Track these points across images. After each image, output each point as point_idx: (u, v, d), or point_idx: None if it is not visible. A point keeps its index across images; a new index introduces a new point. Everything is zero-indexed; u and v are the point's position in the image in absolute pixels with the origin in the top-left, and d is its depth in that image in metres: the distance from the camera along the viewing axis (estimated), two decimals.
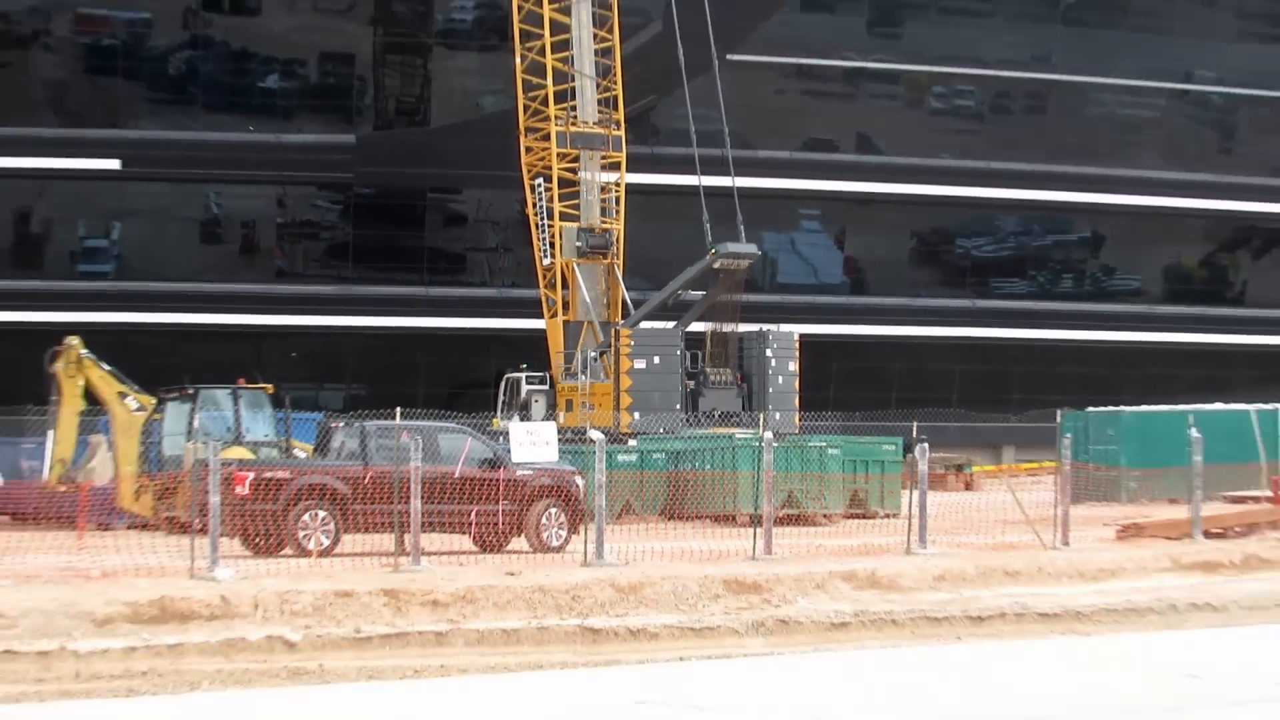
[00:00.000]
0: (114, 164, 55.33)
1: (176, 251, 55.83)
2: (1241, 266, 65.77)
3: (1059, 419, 37.44)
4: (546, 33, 48.10)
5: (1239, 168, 63.37)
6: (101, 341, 39.51)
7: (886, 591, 23.14)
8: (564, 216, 47.97)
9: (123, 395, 37.86)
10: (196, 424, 37.10)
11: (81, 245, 56.39)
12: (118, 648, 17.96)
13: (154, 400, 38.10)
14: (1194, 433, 33.00)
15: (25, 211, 56.35)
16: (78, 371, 38.43)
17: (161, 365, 40.38)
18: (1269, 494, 35.03)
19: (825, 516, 37.03)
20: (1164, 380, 51.19)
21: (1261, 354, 59.68)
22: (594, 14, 48.50)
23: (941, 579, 24.15)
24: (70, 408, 38.91)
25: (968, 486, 44.29)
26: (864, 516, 37.63)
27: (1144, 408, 44.80)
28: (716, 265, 47.60)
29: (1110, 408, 45.00)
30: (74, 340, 39.04)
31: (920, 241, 61.41)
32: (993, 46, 60.33)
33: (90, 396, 38.41)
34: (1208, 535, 29.65)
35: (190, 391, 38.45)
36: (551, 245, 48.11)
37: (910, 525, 29.69)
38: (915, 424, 37.98)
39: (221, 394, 38.69)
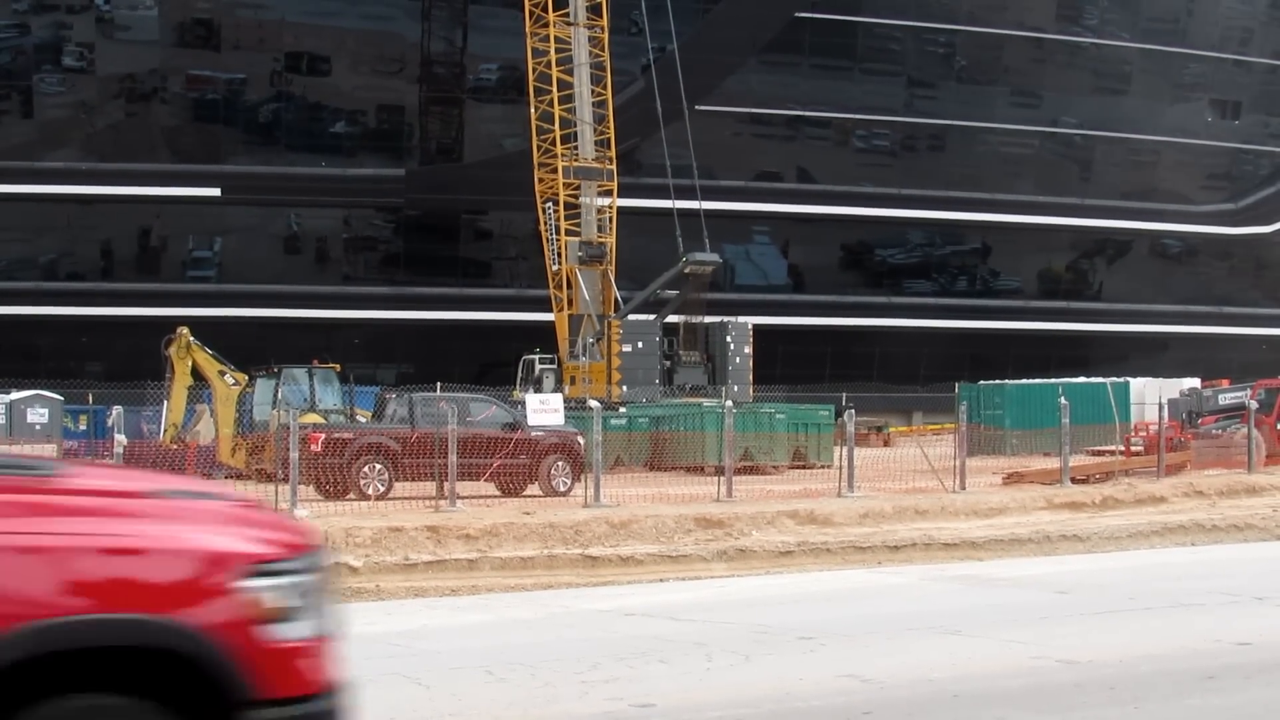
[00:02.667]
0: (215, 192, 55.12)
1: (264, 260, 55.63)
2: (1098, 270, 65.69)
3: (957, 390, 37.35)
4: (554, 89, 47.93)
5: (1094, 193, 63.32)
6: (205, 331, 39.29)
7: (822, 526, 23.01)
8: (568, 232, 47.84)
9: (222, 373, 37.75)
10: (280, 395, 36.95)
11: (190, 255, 56.19)
12: None
13: (246, 377, 37.99)
14: (1062, 400, 32.86)
15: (147, 229, 56.12)
16: (186, 354, 38.32)
17: (252, 349, 40.14)
18: (1121, 448, 34.92)
19: (774, 467, 37.01)
20: (1038, 359, 51.04)
21: (1114, 338, 59.62)
22: (591, 74, 48.33)
23: (866, 516, 24.03)
24: (180, 383, 38.78)
25: (886, 443, 44.17)
26: (804, 467, 37.60)
27: (1023, 381, 44.85)
28: (687, 270, 47.54)
29: (996, 381, 44.96)
30: (184, 329, 38.89)
31: (847, 251, 61.22)
32: (903, 98, 60.19)
33: (196, 374, 38.31)
34: (1074, 481, 29.54)
35: (275, 370, 38.31)
36: (559, 255, 48.00)
37: (841, 474, 29.55)
38: (844, 395, 37.99)
39: (300, 372, 38.56)
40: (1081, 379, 43.94)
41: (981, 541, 21.55)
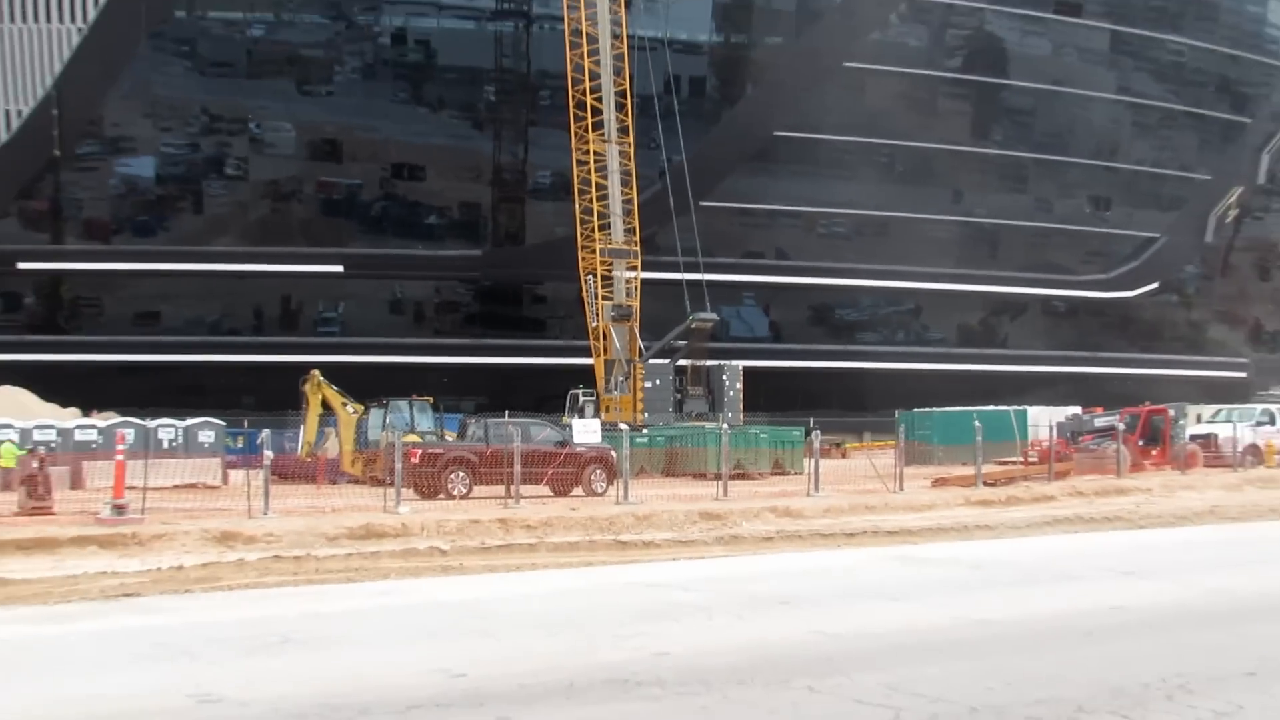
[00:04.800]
0: (339, 268, 55.40)
1: (375, 319, 55.81)
2: (1003, 325, 65.62)
3: (897, 416, 37.20)
4: (593, 190, 48.10)
5: (1000, 267, 63.35)
6: (330, 372, 39.43)
7: (795, 519, 23.02)
8: (604, 298, 47.94)
9: (344, 404, 37.86)
10: (387, 421, 37.05)
11: (320, 315, 56.42)
12: (340, 554, 17.87)
13: (362, 407, 38.10)
14: (976, 424, 32.82)
15: (287, 296, 56.38)
16: (318, 390, 38.45)
17: (366, 387, 40.22)
18: (1020, 460, 34.82)
19: (759, 474, 36.92)
20: (958, 392, 50.77)
21: (1016, 376, 59.44)
22: (620, 178, 48.53)
23: (828, 511, 24.03)
24: (313, 411, 38.91)
25: (843, 456, 44.11)
26: (781, 474, 37.54)
27: (947, 409, 44.59)
28: (693, 326, 47.59)
29: (927, 409, 44.76)
30: (315, 371, 39.03)
31: (813, 311, 61.24)
32: (855, 196, 60.20)
33: (324, 405, 38.45)
34: (986, 484, 29.50)
35: (384, 402, 38.41)
36: (597, 315, 48.11)
37: (809, 479, 29.51)
38: (811, 419, 37.91)
39: (402, 403, 38.65)
40: (991, 407, 43.81)
41: (916, 530, 21.52)
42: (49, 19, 52.88)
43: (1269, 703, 8.30)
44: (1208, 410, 43.26)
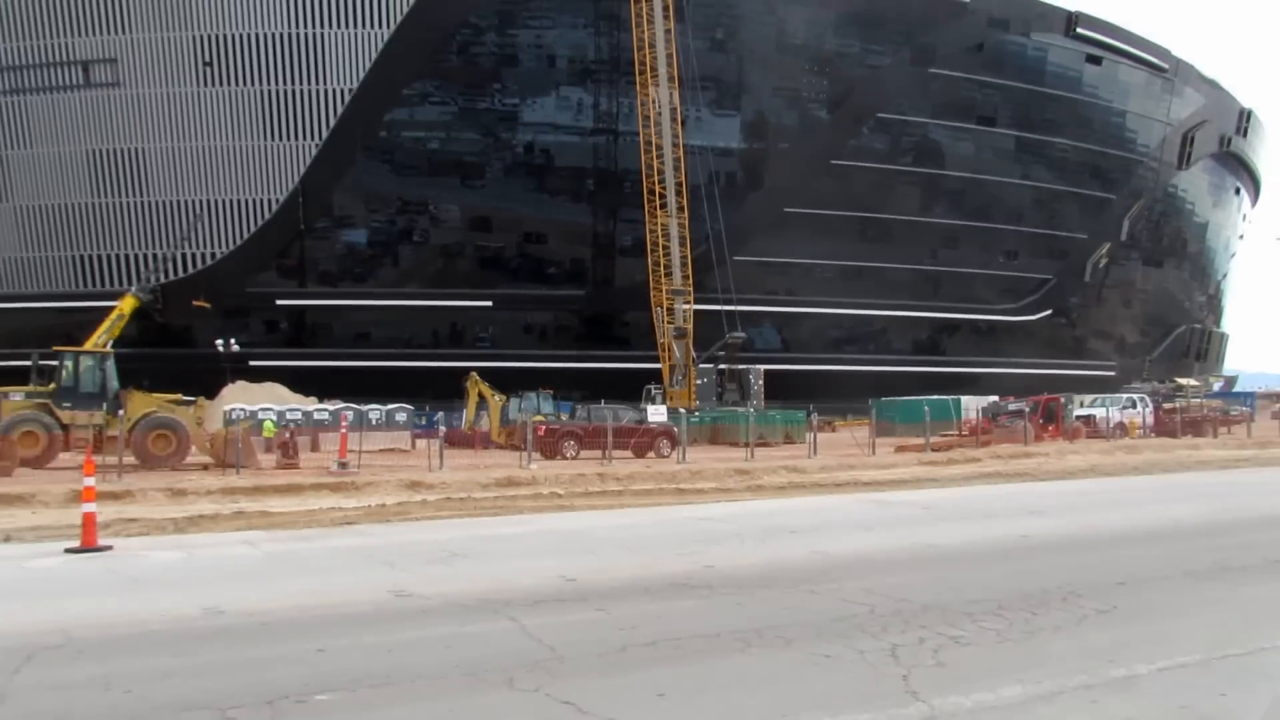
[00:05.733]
0: (489, 304, 55.80)
1: (514, 338, 56.06)
2: (945, 340, 64.53)
3: (871, 403, 36.89)
4: (660, 250, 48.23)
5: (943, 299, 62.63)
6: (484, 374, 39.73)
7: (801, 474, 22.80)
8: (668, 323, 48.00)
9: (493, 394, 38.07)
10: (522, 406, 37.23)
11: (476, 335, 56.73)
12: (490, 496, 17.95)
13: (505, 396, 38.30)
14: (926, 409, 32.45)
15: (455, 322, 56.70)
16: (475, 385, 38.72)
17: (508, 383, 40.47)
18: (956, 434, 34.31)
19: (775, 443, 36.74)
20: (914, 387, 50.14)
21: (953, 375, 58.53)
22: (679, 239, 48.56)
23: (823, 468, 23.79)
24: (472, 399, 39.19)
25: (833, 431, 43.64)
26: (791, 443, 37.28)
27: (906, 398, 44.05)
28: (728, 342, 47.58)
29: (891, 398, 44.22)
30: (474, 373, 39.33)
31: (812, 331, 60.59)
32: (840, 250, 59.68)
33: (480, 395, 38.70)
34: (933, 450, 29.10)
35: (520, 394, 38.64)
36: (664, 334, 48.18)
37: (809, 446, 29.31)
38: (810, 405, 37.53)
39: (532, 394, 38.81)
40: (935, 396, 43.18)
41: (884, 481, 21.26)
42: (295, 136, 53.79)
43: (1135, 603, 8.10)
44: (1088, 398, 42.34)
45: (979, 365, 61.95)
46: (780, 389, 48.51)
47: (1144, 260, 75.45)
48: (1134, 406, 39.17)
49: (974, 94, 63.60)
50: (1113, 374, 67.67)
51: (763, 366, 49.32)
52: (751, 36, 58.17)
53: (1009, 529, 12.88)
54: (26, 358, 27.56)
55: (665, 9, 49.89)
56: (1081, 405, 39.16)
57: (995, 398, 43.87)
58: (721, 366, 48.12)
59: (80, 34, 54.16)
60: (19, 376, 28.03)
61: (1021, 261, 66.68)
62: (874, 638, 6.91)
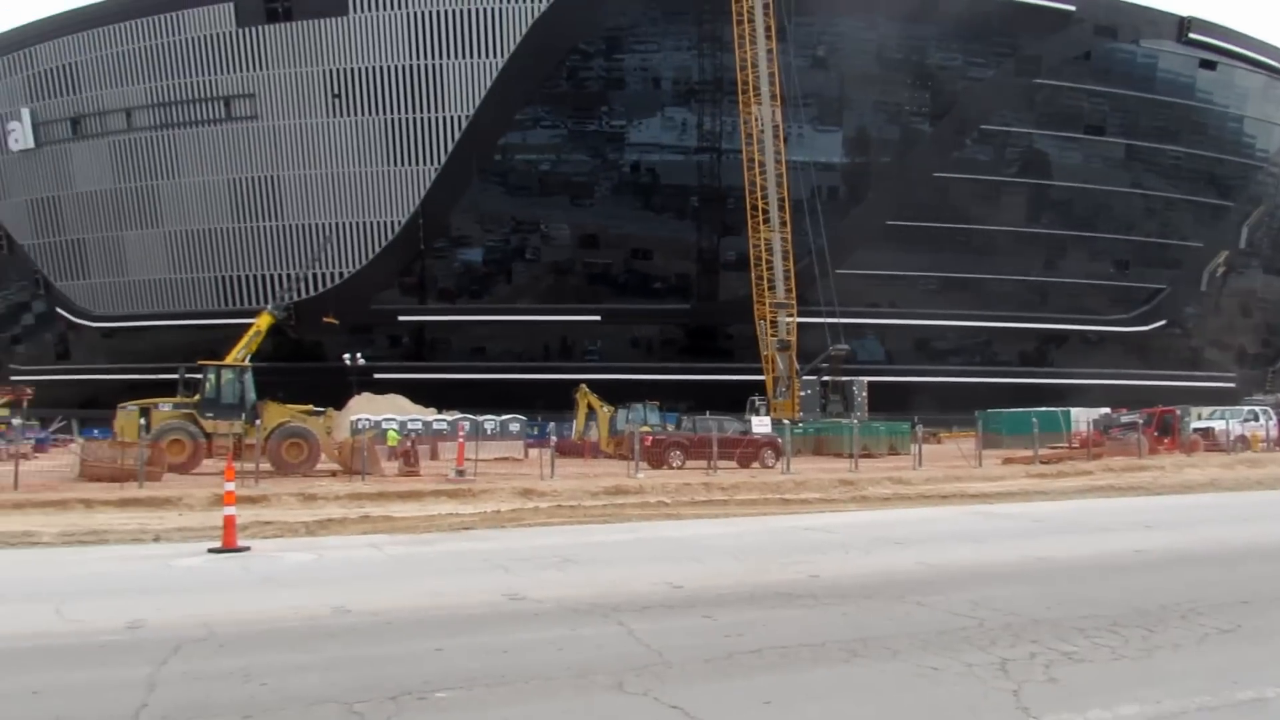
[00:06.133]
0: (598, 318, 56.30)
1: (620, 351, 56.37)
2: (1052, 352, 62.19)
3: (976, 414, 35.86)
4: (763, 264, 48.00)
5: (1048, 310, 60.52)
6: (592, 385, 40.13)
7: (905, 485, 22.27)
8: (771, 335, 47.63)
9: (601, 405, 38.35)
10: (629, 417, 37.38)
11: (585, 348, 57.22)
12: (599, 504, 18.02)
13: (614, 407, 38.52)
14: (1034, 420, 31.38)
15: (565, 336, 57.37)
16: (585, 396, 39.14)
17: (615, 394, 40.73)
18: (1066, 446, 33.03)
19: (879, 454, 35.97)
20: (1022, 398, 48.39)
21: (1061, 387, 56.29)
22: (782, 253, 48.19)
23: (928, 480, 23.18)
24: (582, 410, 39.61)
25: (939, 442, 42.37)
26: (895, 454, 36.44)
27: (1014, 409, 42.57)
28: (832, 354, 46.94)
29: (997, 409, 42.81)
30: (583, 385, 39.73)
31: (915, 343, 59.13)
32: (943, 262, 58.25)
33: (589, 406, 39.00)
34: (1041, 463, 28.07)
35: (627, 405, 38.81)
36: (767, 347, 47.81)
37: (914, 457, 28.63)
38: (915, 416, 36.67)
39: (639, 405, 38.91)
40: (1043, 408, 41.65)
41: (991, 494, 20.57)
42: (416, 162, 55.38)
43: (1261, 623, 7.62)
44: (1206, 410, 40.25)
45: (1089, 377, 59.52)
46: (884, 400, 47.57)
47: (1265, 268, 71.49)
48: (1256, 419, 37.04)
49: (1081, 103, 61.35)
50: (1232, 385, 64.21)
51: (866, 378, 48.44)
52: (852, 53, 57.42)
53: (1123, 543, 12.30)
54: (174, 371, 28.93)
55: (767, 29, 49.66)
56: (1199, 417, 37.30)
57: (1107, 410, 42.12)
58: (825, 378, 47.46)
59: (222, 72, 56.97)
60: (167, 389, 29.41)
61: (1133, 271, 63.95)
62: (982, 651, 6.68)
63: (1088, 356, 61.95)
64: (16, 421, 37.51)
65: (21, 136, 62.89)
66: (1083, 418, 36.82)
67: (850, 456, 28.57)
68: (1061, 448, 32.48)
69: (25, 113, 62.46)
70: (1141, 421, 32.52)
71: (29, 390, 49.43)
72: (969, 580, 9.60)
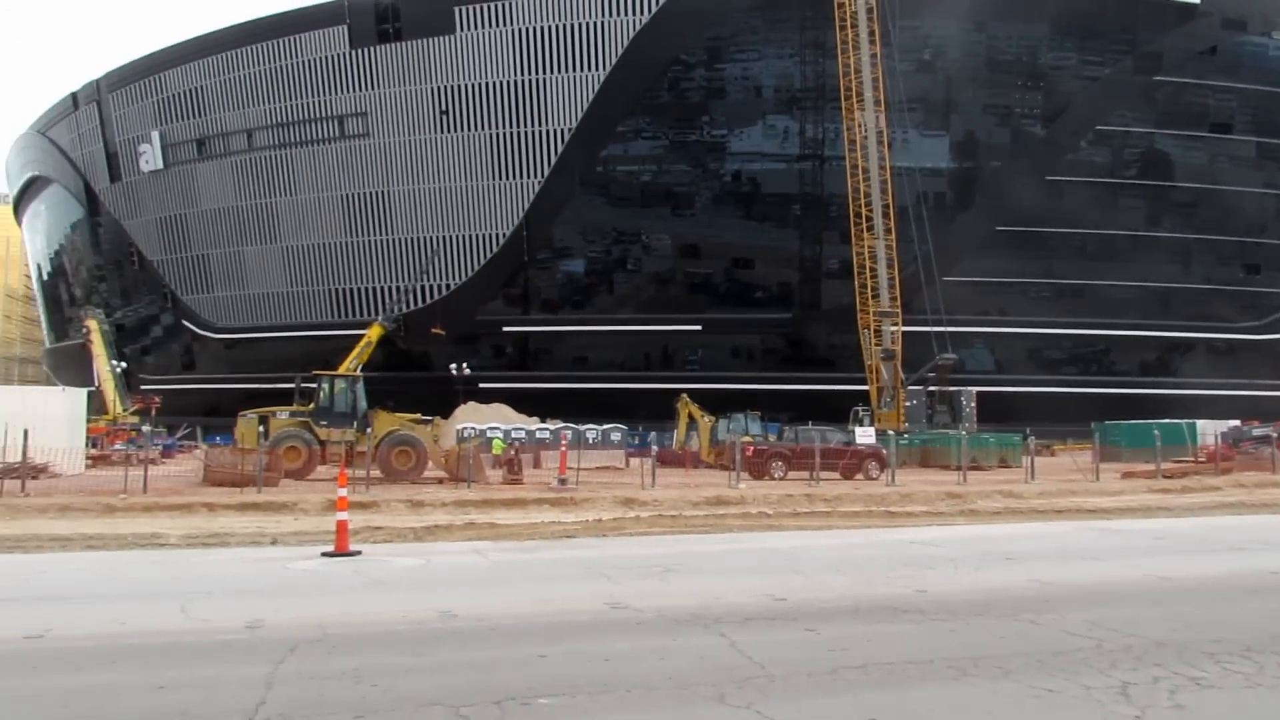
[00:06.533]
0: (699, 328, 56.26)
1: (721, 360, 56.20)
2: (1176, 360, 59.28)
3: (1093, 426, 34.46)
4: (867, 272, 47.21)
5: (1170, 317, 57.77)
6: (693, 395, 40.06)
7: (1017, 499, 21.57)
8: (875, 344, 46.76)
9: (702, 415, 38.26)
10: (730, 426, 37.18)
11: (686, 358, 57.26)
12: (700, 514, 17.99)
13: (714, 417, 38.38)
14: (1156, 432, 29.99)
15: (665, 345, 57.42)
16: (685, 406, 39.10)
17: (716, 404, 40.59)
18: (1191, 460, 31.47)
19: (988, 466, 34.89)
20: (1142, 409, 46.40)
21: (1187, 398, 53.46)
22: (885, 261, 47.34)
23: (1041, 494, 22.40)
24: (682, 420, 39.58)
25: (1052, 455, 40.97)
26: (1005, 467, 35.29)
27: (1133, 420, 40.84)
28: (939, 363, 45.78)
29: (1115, 421, 41.12)
30: (684, 395, 39.71)
31: (1027, 352, 57.13)
32: (1055, 269, 56.27)
33: (690, 416, 38.94)
34: (1164, 477, 26.81)
35: (728, 415, 38.62)
36: (871, 356, 46.98)
37: (1026, 470, 27.70)
38: (1027, 427, 35.46)
39: (740, 415, 38.69)
40: (1167, 420, 39.78)
41: (1109, 509, 19.73)
42: (521, 175, 56.41)
43: None
44: None
45: (1216, 387, 56.54)
46: (993, 411, 46.18)
47: None
48: None
49: (1206, 100, 58.51)
50: None
51: (974, 388, 47.10)
52: (960, 55, 56.11)
53: (1256, 564, 11.64)
54: (291, 380, 30.05)
55: (870, 34, 48.95)
56: None
57: (1236, 422, 40.00)
58: (931, 388, 46.34)
59: (336, 92, 59.17)
60: (285, 397, 30.57)
61: (1264, 276, 60.57)
62: (1102, 674, 6.40)
63: (1215, 366, 58.90)
64: (146, 429, 39.49)
65: (152, 158, 66.48)
66: (1209, 430, 35.02)
67: (958, 469, 27.81)
68: (1186, 462, 30.96)
69: (155, 135, 65.99)
70: (1276, 435, 30.76)
71: (157, 399, 52.09)
72: (1086, 599, 9.23)
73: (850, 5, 49.02)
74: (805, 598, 9.16)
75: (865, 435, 32.37)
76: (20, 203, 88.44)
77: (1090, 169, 57.15)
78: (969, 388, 46.96)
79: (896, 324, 47.30)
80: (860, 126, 48.64)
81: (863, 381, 47.80)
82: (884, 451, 29.19)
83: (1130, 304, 57.73)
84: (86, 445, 31.67)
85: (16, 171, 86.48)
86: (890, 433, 35.75)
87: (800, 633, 7.67)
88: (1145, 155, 58.75)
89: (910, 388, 46.15)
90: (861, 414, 44.70)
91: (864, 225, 47.99)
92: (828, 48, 52.13)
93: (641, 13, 54.58)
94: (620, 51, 54.90)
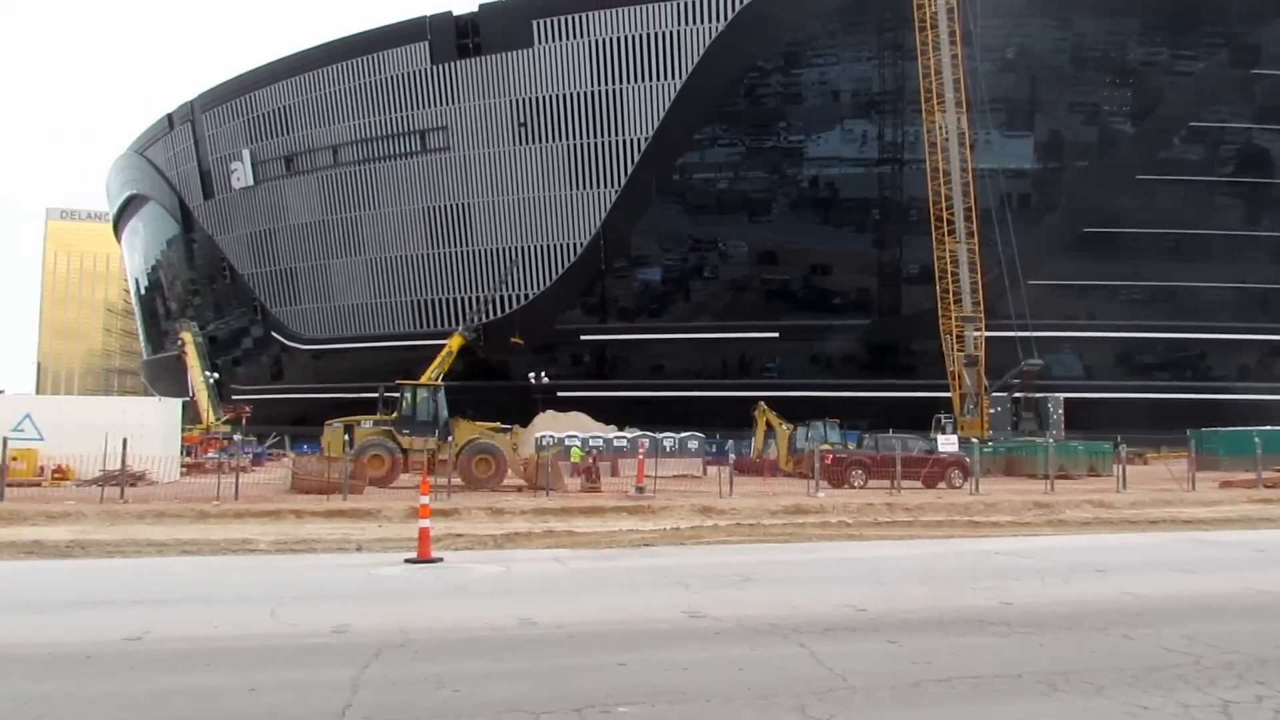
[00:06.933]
0: (776, 335, 55.88)
1: (799, 368, 55.69)
2: (1275, 366, 56.89)
3: (1188, 433, 33.19)
4: (949, 277, 46.35)
5: (1272, 319, 55.32)
6: (771, 402, 39.80)
7: (1107, 509, 20.90)
8: (958, 350, 45.85)
9: (780, 423, 37.95)
10: (809, 434, 36.83)
11: (764, 365, 56.93)
12: (779, 523, 17.86)
13: (793, 425, 38.04)
14: (1257, 439, 28.77)
15: (743, 353, 57.19)
16: (763, 414, 38.82)
17: (795, 412, 40.22)
18: None
19: (1077, 475, 33.79)
20: (1238, 417, 44.54)
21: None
22: (968, 265, 46.39)
23: (1133, 504, 21.67)
24: (760, 428, 39.32)
25: (1145, 463, 39.63)
26: (1095, 476, 34.17)
27: (1229, 428, 39.18)
28: (1024, 369, 44.72)
29: (1212, 428, 39.50)
30: (762, 403, 39.46)
31: (1116, 357, 55.39)
32: (1147, 271, 54.39)
33: (768, 424, 38.69)
34: (1266, 486, 25.68)
35: (806, 422, 38.26)
36: (954, 362, 46.05)
37: (1117, 479, 26.81)
38: (1119, 435, 34.35)
39: (819, 422, 38.18)
40: (1269, 427, 38.05)
41: (1206, 519, 18.99)
42: (598, 185, 56.87)
43: None
44: None
45: None
46: (1082, 418, 44.85)
47: None
48: None
49: None
50: None
51: (1062, 395, 45.80)
52: (1045, 53, 54.77)
53: None
54: (375, 390, 30.75)
55: (951, 35, 48.10)
56: None
57: None
58: (1017, 395, 45.20)
59: (418, 107, 60.49)
60: (369, 407, 31.27)
61: None
62: (1200, 691, 6.16)
63: None
64: (237, 437, 40.74)
65: (242, 175, 68.87)
66: None
67: (1045, 477, 27.04)
68: None
69: (246, 153, 68.38)
70: None
71: (248, 409, 53.79)
72: (1182, 613, 8.89)
73: (930, 6, 48.26)
74: (887, 608, 9.01)
75: (948, 443, 31.72)
76: (120, 220, 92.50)
77: (1183, 167, 55.17)
78: (1056, 394, 45.69)
79: (980, 329, 46.32)
80: (941, 128, 47.82)
81: (944, 388, 46.89)
82: (967, 460, 28.57)
83: (1226, 306, 55.50)
84: (181, 454, 32.80)
85: (116, 190, 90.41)
86: (974, 440, 34.97)
87: (882, 644, 7.55)
88: (1242, 151, 56.49)
89: (994, 394, 45.10)
90: (944, 421, 43.80)
91: (945, 229, 47.14)
92: (907, 49, 51.41)
93: (717, 20, 54.58)
94: (696, 60, 54.97)
